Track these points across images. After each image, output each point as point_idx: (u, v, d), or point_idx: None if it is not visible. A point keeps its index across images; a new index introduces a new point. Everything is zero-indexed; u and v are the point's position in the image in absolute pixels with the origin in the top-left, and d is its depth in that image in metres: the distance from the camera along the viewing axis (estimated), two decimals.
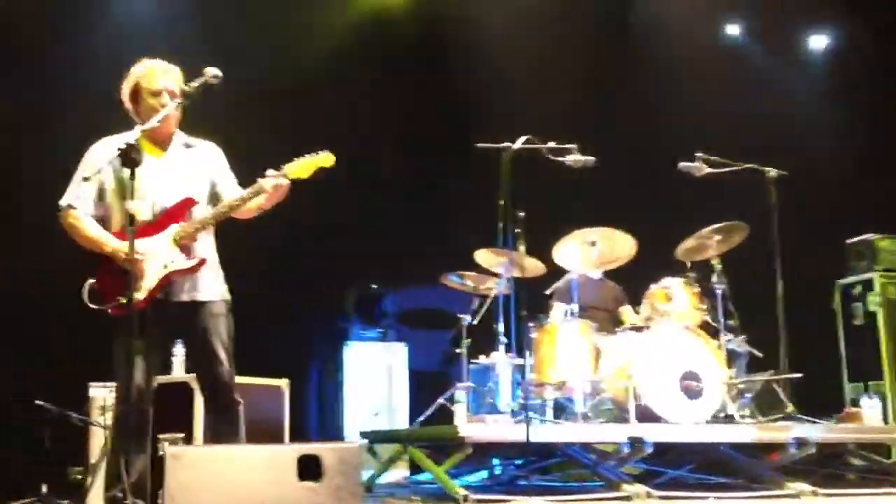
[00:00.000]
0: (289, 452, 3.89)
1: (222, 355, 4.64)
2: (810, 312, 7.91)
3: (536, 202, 6.39)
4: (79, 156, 4.55)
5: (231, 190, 4.76)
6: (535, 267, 7.25)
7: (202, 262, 4.60)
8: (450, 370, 8.63)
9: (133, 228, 4.13)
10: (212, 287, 4.66)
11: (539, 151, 5.83)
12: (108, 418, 6.19)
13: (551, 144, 5.87)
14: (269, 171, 4.58)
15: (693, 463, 6.66)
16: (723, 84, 9.78)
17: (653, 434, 5.94)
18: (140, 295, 4.42)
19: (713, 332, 6.74)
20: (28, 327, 7.62)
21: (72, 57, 7.63)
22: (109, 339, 4.52)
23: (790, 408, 6.57)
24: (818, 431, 6.30)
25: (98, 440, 6.18)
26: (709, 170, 6.94)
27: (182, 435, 4.84)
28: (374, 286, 9.86)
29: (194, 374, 4.96)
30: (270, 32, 8.48)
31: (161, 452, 4.22)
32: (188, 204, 4.61)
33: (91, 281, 4.49)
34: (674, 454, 6.62)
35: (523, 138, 5.66)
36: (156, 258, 4.49)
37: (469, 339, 7.34)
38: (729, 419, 6.42)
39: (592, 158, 6.01)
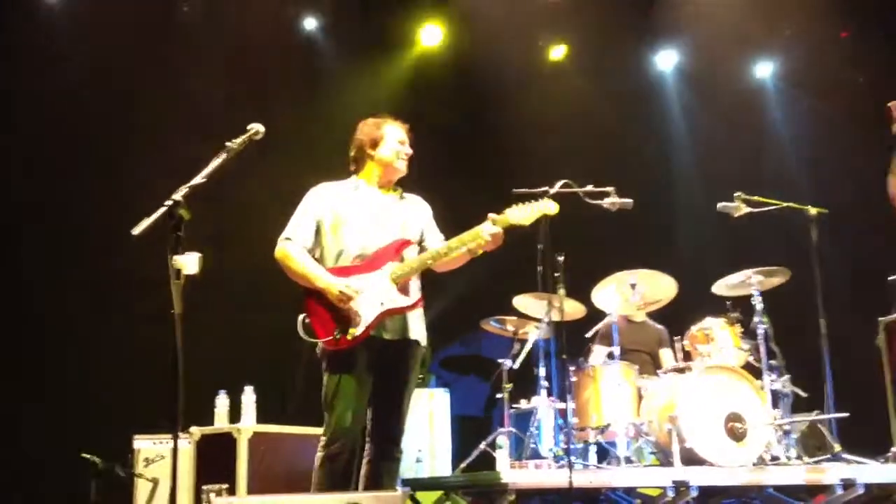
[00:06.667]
0: (334, 502, 3.91)
1: (405, 408, 4.66)
2: (855, 350, 7.79)
3: (575, 246, 6.39)
4: None
5: (437, 244, 4.81)
6: (575, 310, 7.24)
7: (419, 301, 4.64)
8: (491, 415, 8.60)
9: (179, 282, 3.51)
10: (419, 328, 4.70)
11: (577, 195, 5.82)
12: (152, 470, 6.28)
13: (589, 188, 5.87)
14: (491, 215, 4.60)
15: None
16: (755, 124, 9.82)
17: (698, 477, 5.86)
18: (357, 331, 4.45)
19: (756, 373, 6.67)
20: (73, 379, 7.73)
21: None
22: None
23: (836, 448, 6.48)
24: (865, 472, 6.19)
25: (143, 493, 6.24)
26: (747, 209, 6.90)
27: (226, 486, 4.89)
28: None
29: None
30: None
31: (205, 503, 4.24)
32: (404, 245, 4.67)
33: (303, 315, 4.53)
34: (719, 497, 6.53)
35: (561, 182, 5.66)
36: (373, 295, 4.51)
37: (510, 384, 7.33)
38: (774, 461, 6.34)
39: (630, 201, 5.99)
